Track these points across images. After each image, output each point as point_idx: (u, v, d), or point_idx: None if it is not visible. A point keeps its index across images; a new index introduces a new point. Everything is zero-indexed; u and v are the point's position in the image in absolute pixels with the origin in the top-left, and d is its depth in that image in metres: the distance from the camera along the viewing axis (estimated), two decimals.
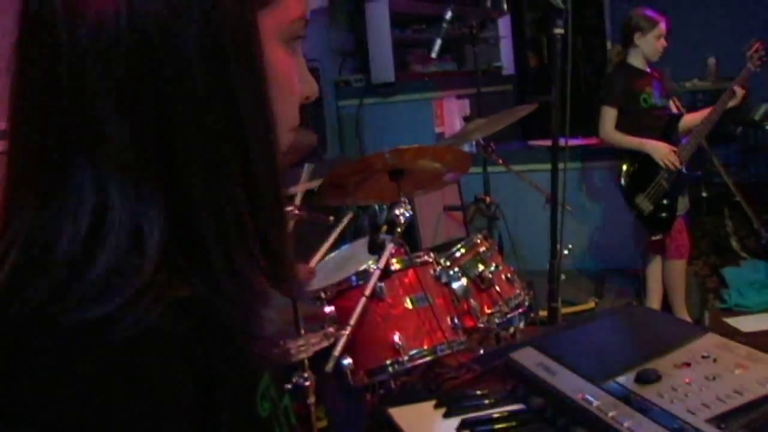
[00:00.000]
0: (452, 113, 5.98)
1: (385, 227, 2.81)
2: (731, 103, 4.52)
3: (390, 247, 2.73)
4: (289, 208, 2.47)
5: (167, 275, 0.76)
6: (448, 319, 2.89)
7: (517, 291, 3.25)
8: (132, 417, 0.70)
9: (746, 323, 4.63)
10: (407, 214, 2.77)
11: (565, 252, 3.24)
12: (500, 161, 4.13)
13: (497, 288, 3.16)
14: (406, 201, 2.79)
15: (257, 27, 0.81)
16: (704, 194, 6.10)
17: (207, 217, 0.78)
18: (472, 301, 3.07)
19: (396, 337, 2.78)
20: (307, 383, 2.50)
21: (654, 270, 4.80)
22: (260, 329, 0.88)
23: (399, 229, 2.73)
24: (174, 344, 0.74)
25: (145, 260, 0.74)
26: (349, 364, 2.81)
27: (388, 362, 2.77)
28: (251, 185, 0.81)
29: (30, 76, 0.77)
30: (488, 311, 3.12)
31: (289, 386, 2.53)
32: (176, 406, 0.74)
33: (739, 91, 4.49)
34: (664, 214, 4.56)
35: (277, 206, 0.86)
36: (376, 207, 3.52)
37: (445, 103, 6.01)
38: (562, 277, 3.20)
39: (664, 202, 4.54)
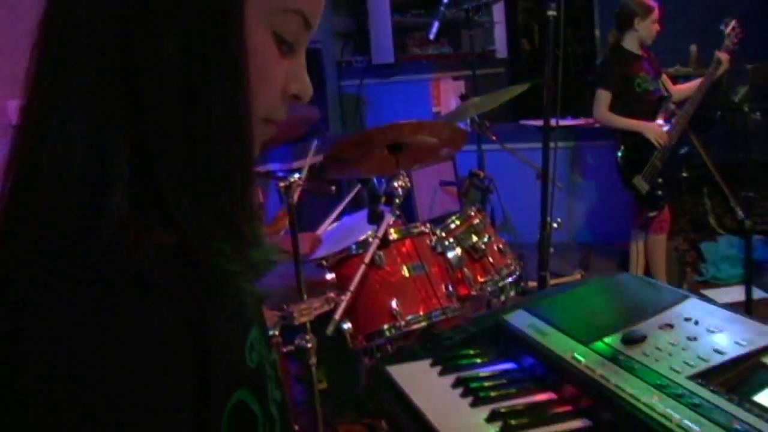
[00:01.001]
0: (448, 93, 5.96)
1: (383, 199, 2.80)
2: (720, 70, 4.54)
3: (388, 218, 2.72)
4: (294, 179, 2.46)
5: (145, 221, 0.74)
6: (443, 287, 2.89)
7: (509, 261, 3.24)
8: (133, 366, 0.69)
9: (722, 295, 4.65)
10: (405, 187, 2.76)
11: (555, 225, 3.24)
12: (494, 138, 4.11)
13: (490, 258, 3.16)
14: (404, 174, 2.78)
15: (242, 3, 0.77)
16: (685, 174, 6.10)
17: (166, 176, 0.75)
18: (465, 270, 3.07)
19: (393, 303, 2.78)
20: (309, 345, 2.49)
21: (638, 245, 4.82)
22: (245, 282, 0.86)
23: (397, 201, 2.72)
24: (167, 292, 0.73)
25: (113, 201, 0.72)
26: (348, 328, 2.82)
27: (385, 327, 2.77)
28: (209, 154, 0.78)
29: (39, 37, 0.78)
30: (481, 280, 3.12)
31: (291, 348, 2.53)
32: (175, 355, 0.72)
33: (724, 58, 4.50)
34: (659, 192, 4.58)
35: (239, 183, 0.81)
36: (375, 180, 3.50)
37: (441, 84, 5.99)
38: (551, 249, 3.21)
39: (659, 180, 4.55)
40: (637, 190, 4.57)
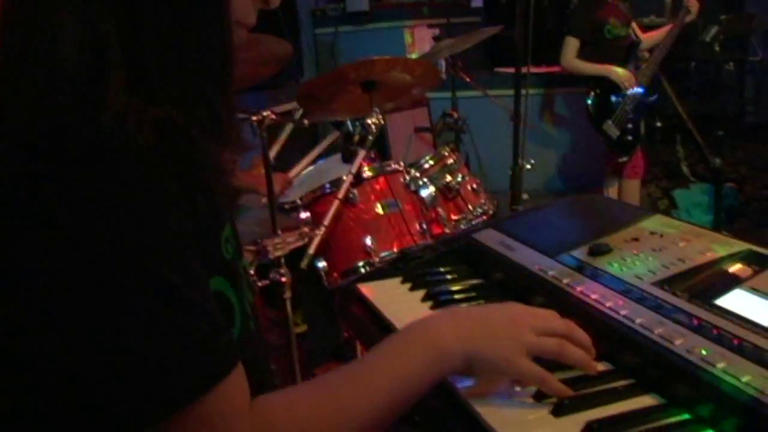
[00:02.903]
0: (423, 41, 5.94)
1: (357, 137, 2.80)
2: (688, 18, 4.54)
3: (362, 153, 2.72)
4: (267, 114, 2.44)
5: (141, 101, 0.79)
6: (417, 225, 2.90)
7: (482, 201, 3.26)
8: (145, 209, 0.76)
9: None
10: (379, 124, 2.76)
11: (528, 166, 3.25)
12: (468, 79, 4.11)
13: (463, 197, 3.17)
14: (378, 111, 2.78)
15: None
16: (658, 124, 6.15)
17: (158, 72, 0.81)
18: (439, 209, 3.07)
19: (368, 241, 2.79)
20: (284, 279, 2.50)
21: (612, 190, 4.85)
22: (222, 174, 0.91)
23: (371, 138, 2.72)
24: (165, 162, 0.79)
25: (113, 84, 0.77)
26: (323, 266, 2.83)
27: (360, 264, 2.78)
28: (199, 47, 0.84)
29: None
30: (455, 218, 3.13)
31: (266, 282, 2.54)
32: (177, 208, 0.80)
33: (693, 5, 4.50)
34: (629, 137, 4.60)
35: (224, 76, 0.89)
36: (350, 123, 3.49)
37: (416, 32, 5.97)
38: (525, 196, 3.22)
39: (629, 126, 4.58)
40: (607, 136, 4.60)
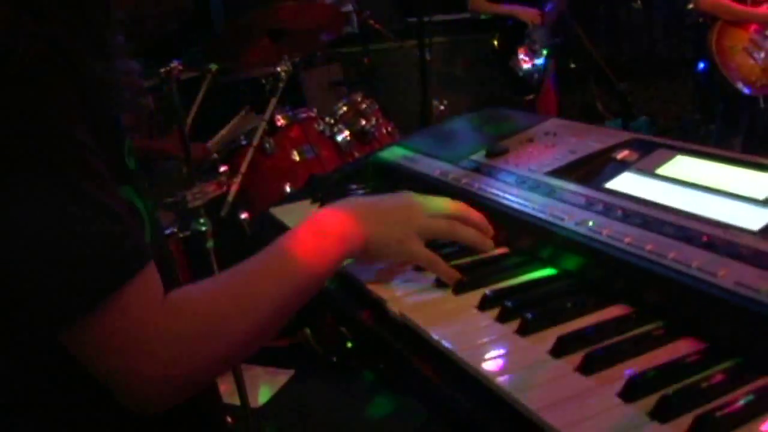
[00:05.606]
0: None
1: (268, 87, 2.81)
2: None
3: (273, 101, 2.74)
4: (174, 65, 2.43)
5: (29, 17, 0.81)
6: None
7: None
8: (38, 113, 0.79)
9: None
10: (288, 71, 2.77)
11: (441, 107, 3.31)
12: (377, 26, 4.13)
13: (379, 141, 3.20)
14: (287, 58, 2.79)
15: None
16: (572, 65, 6.23)
17: None
18: (356, 153, 3.11)
19: (287, 188, 2.82)
20: (204, 228, 2.50)
21: None
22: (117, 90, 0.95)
23: (281, 84, 2.74)
24: (55, 70, 0.82)
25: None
26: (245, 218, 2.85)
27: None
28: None
29: None
30: None
31: (187, 233, 2.54)
32: (77, 117, 0.82)
33: None
34: (535, 76, 4.66)
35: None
36: (264, 81, 3.50)
37: None
38: None
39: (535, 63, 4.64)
40: (513, 73, 4.65)
